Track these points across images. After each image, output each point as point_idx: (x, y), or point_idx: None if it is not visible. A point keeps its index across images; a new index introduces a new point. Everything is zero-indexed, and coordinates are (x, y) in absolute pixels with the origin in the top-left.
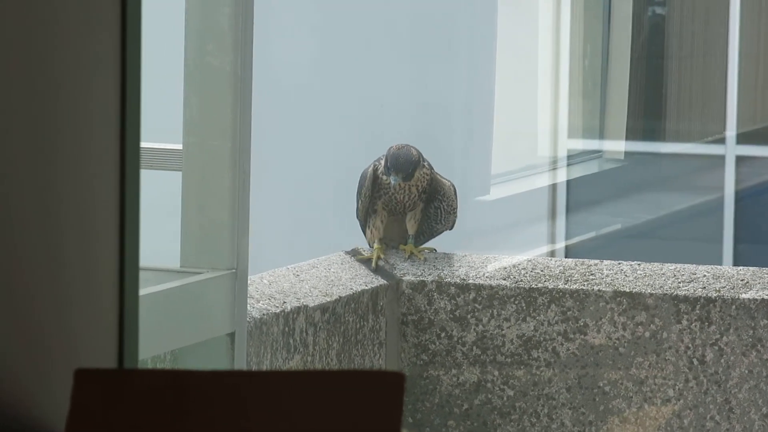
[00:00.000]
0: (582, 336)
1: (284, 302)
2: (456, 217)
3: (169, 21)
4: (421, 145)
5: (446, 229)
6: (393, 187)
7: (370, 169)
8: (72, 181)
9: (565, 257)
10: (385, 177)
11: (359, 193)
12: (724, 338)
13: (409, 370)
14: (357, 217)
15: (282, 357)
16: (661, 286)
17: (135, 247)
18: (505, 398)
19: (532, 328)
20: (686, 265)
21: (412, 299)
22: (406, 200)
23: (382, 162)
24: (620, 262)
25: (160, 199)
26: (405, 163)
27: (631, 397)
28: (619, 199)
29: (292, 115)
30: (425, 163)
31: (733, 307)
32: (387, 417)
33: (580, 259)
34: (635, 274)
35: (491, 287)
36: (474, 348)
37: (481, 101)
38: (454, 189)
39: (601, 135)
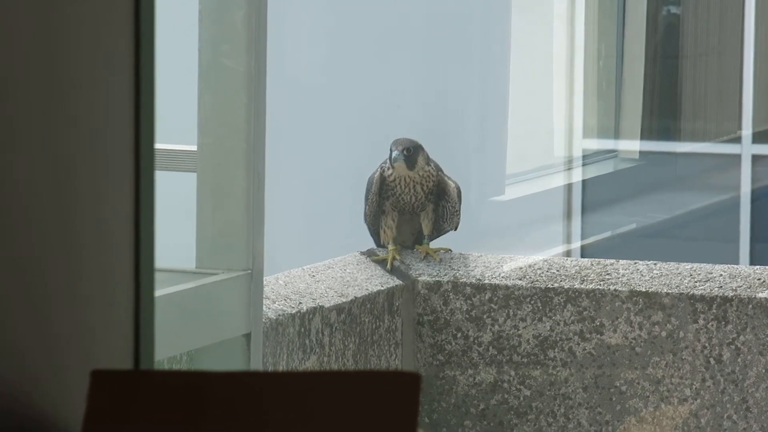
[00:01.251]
0: (598, 336)
1: (300, 303)
2: (459, 218)
3: (184, 22)
4: (436, 145)
5: (451, 229)
6: (395, 174)
7: (377, 173)
8: (87, 183)
9: (581, 257)
10: (388, 165)
11: (367, 197)
12: (741, 337)
13: (425, 370)
14: (365, 222)
15: (298, 358)
16: (677, 286)
17: (150, 248)
18: (521, 398)
19: (548, 328)
20: (702, 265)
21: (427, 299)
22: (413, 201)
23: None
24: (636, 261)
25: (174, 200)
26: (405, 141)
27: (648, 397)
28: (635, 199)
29: (306, 116)
30: (431, 164)
31: (750, 306)
32: (403, 417)
33: (596, 259)
34: (651, 274)
35: (507, 287)
36: (490, 348)
37: (496, 101)
38: (458, 191)
39: (616, 135)
